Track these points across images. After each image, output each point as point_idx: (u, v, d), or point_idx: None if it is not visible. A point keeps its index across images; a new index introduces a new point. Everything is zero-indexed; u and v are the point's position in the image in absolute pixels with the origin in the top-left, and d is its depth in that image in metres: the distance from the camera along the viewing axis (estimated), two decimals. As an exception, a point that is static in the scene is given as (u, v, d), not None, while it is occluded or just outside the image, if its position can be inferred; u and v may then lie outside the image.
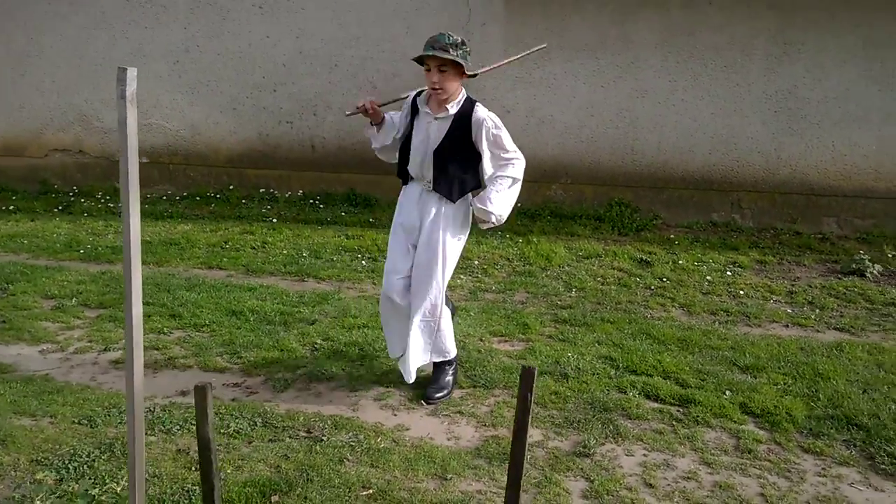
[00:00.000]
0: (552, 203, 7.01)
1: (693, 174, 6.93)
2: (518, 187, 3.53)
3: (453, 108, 3.44)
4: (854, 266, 5.79)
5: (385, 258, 3.77)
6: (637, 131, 6.93)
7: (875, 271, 5.71)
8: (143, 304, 4.67)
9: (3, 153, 7.82)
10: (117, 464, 2.94)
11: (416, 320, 3.49)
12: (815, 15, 6.55)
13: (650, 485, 2.95)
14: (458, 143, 3.45)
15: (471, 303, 4.93)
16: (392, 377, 3.79)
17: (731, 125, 6.81)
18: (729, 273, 5.70)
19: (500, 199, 3.46)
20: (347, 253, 5.92)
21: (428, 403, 3.54)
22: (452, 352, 3.67)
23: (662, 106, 6.85)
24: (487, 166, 3.49)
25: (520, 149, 3.54)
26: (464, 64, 3.34)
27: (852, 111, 6.66)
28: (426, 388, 3.62)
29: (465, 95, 3.50)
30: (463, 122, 3.43)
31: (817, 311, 5.01)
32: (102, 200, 7.35)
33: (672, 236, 6.56)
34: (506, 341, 4.34)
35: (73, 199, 7.43)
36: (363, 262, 5.73)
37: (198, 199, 7.34)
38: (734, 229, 6.81)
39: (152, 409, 3.41)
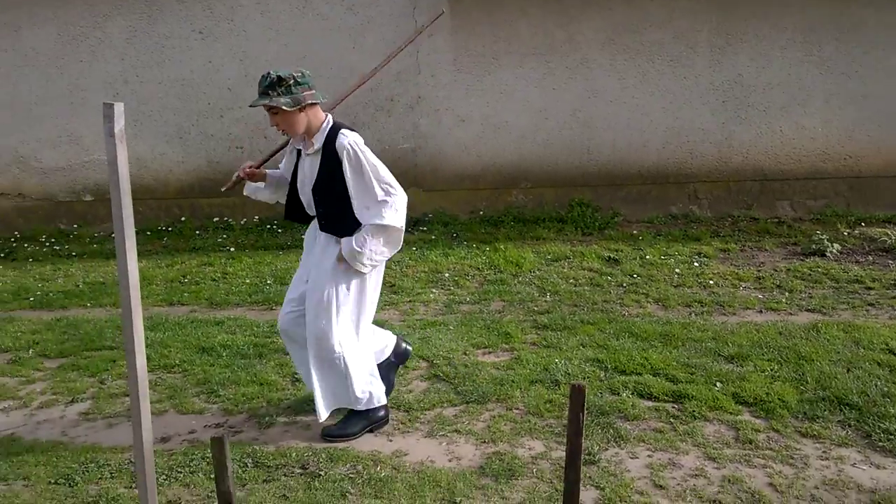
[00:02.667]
0: (514, 208, 6.98)
1: (649, 169, 7.01)
2: (391, 233, 3.16)
3: (318, 141, 3.18)
4: (814, 247, 5.92)
5: None
6: (591, 131, 6.97)
7: (835, 250, 5.85)
8: (107, 348, 4.53)
9: (-66, 202, 7.39)
10: (104, 524, 2.75)
11: (311, 355, 3.28)
12: (754, 5, 6.71)
13: (660, 486, 2.91)
14: (332, 177, 3.17)
15: (447, 316, 4.85)
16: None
17: (681, 118, 6.91)
18: (696, 264, 5.76)
19: (371, 245, 3.14)
20: (314, 276, 5.76)
21: (322, 435, 3.36)
22: (368, 403, 3.34)
23: (614, 104, 6.91)
24: (355, 203, 3.16)
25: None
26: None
27: (796, 95, 6.84)
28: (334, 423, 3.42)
29: (330, 123, 3.21)
30: (330, 153, 3.15)
31: (787, 294, 5.09)
32: (47, 244, 7.00)
33: (635, 232, 6.61)
34: (490, 352, 4.27)
35: (15, 244, 7.05)
36: (331, 284, 5.58)
37: (149, 233, 7.06)
38: (693, 220, 6.90)
39: (132, 460, 3.22)
